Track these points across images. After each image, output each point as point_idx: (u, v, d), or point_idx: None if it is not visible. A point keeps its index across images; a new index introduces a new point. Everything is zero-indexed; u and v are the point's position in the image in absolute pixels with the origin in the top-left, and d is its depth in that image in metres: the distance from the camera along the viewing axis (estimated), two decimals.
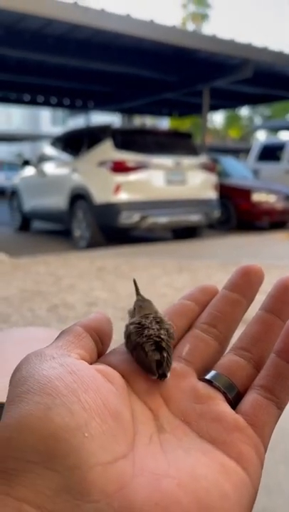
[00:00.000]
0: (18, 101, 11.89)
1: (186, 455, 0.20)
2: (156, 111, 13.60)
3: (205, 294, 0.29)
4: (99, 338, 0.25)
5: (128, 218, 5.76)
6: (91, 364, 0.23)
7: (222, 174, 8.28)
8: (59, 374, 0.19)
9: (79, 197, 6.24)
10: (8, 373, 0.39)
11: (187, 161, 6.34)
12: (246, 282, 0.27)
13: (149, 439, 0.20)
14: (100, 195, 5.86)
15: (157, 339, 0.25)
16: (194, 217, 6.43)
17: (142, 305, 0.27)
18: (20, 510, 0.16)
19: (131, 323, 0.26)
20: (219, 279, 3.96)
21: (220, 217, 7.13)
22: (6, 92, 11.09)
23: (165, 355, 0.24)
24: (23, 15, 6.05)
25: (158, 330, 0.25)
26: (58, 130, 17.86)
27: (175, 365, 0.25)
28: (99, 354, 0.25)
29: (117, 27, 6.55)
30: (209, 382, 0.24)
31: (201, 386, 0.24)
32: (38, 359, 0.21)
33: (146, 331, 0.25)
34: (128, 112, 12.84)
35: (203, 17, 26.40)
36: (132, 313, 0.28)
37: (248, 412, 0.22)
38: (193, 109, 11.81)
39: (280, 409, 0.23)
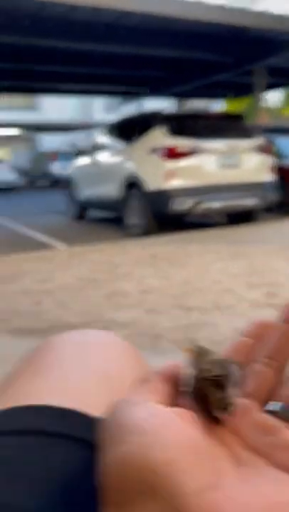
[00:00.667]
0: (72, 91, 12.07)
1: (267, 483, 0.21)
2: (211, 93, 13.34)
3: (262, 329, 0.30)
4: (171, 385, 0.27)
5: (181, 204, 5.73)
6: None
7: (280, 156, 8.00)
8: (148, 417, 0.22)
9: (132, 185, 6.28)
10: (68, 375, 0.40)
11: (240, 143, 6.19)
12: None
13: (231, 472, 0.22)
14: (153, 183, 5.86)
15: (219, 378, 0.26)
16: (250, 201, 6.29)
17: (201, 352, 0.29)
18: None
19: (194, 367, 0.28)
20: (277, 265, 3.86)
21: (278, 201, 6.92)
22: (60, 83, 11.28)
23: (227, 393, 0.26)
24: (72, 6, 6.10)
25: (220, 368, 0.27)
26: (111, 117, 17.97)
27: (239, 400, 0.27)
28: (171, 399, 0.27)
29: (165, 11, 6.46)
30: (274, 413, 0.26)
31: (268, 418, 0.25)
32: (126, 405, 0.24)
33: (207, 373, 0.27)
34: (181, 95, 12.67)
35: None
36: (194, 361, 0.29)
37: None
38: (249, 89, 11.44)
39: None
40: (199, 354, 0.29)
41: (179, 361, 0.28)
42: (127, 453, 0.21)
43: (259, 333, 0.30)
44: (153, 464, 0.20)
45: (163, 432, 0.21)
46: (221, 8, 7.01)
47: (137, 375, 0.44)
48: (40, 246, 5.79)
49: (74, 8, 6.22)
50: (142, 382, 0.27)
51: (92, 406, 0.37)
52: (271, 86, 10.84)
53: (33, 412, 0.35)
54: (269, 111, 27.15)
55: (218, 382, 0.26)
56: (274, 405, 0.26)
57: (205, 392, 0.26)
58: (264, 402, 0.27)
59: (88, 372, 0.42)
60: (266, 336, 0.30)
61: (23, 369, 0.44)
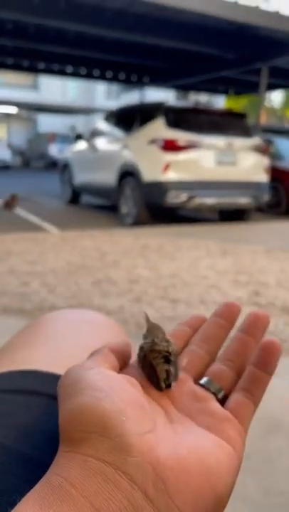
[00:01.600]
0: (75, 74, 11.97)
1: (192, 435, 0.27)
2: (212, 88, 13.32)
3: (198, 320, 0.38)
4: (121, 358, 0.33)
5: (175, 198, 5.76)
6: None
7: (275, 156, 8.06)
8: (100, 378, 0.28)
9: (128, 174, 6.29)
10: (60, 348, 0.45)
11: (239, 142, 6.22)
12: (230, 312, 0.36)
13: (164, 425, 0.28)
14: (149, 173, 5.88)
15: (167, 354, 0.32)
16: (243, 200, 6.34)
17: (152, 329, 0.35)
18: (86, 461, 0.24)
19: (145, 343, 0.33)
20: (262, 265, 3.93)
21: (270, 201, 6.99)
22: (63, 65, 11.19)
23: (172, 368, 0.32)
24: None
25: (167, 347, 0.33)
26: (112, 104, 17.82)
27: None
28: (118, 367, 0.33)
29: (177, 2, 6.43)
30: (203, 386, 0.32)
31: (198, 389, 0.32)
32: (81, 369, 0.29)
33: (157, 347, 0.33)
34: (183, 88, 12.64)
35: None
36: (145, 335, 0.34)
37: (233, 408, 0.30)
38: (250, 87, 11.47)
39: (256, 405, 0.31)
40: (151, 329, 0.34)
41: (127, 339, 0.33)
42: (84, 402, 0.26)
43: (194, 323, 0.38)
44: (106, 411, 0.25)
45: (113, 390, 0.27)
46: (231, 4, 6.99)
47: None
48: (32, 228, 5.79)
49: None
50: (95, 352, 0.32)
51: None
52: (272, 86, 10.86)
53: (27, 376, 0.41)
54: (272, 111, 27.16)
55: (166, 357, 0.32)
56: (204, 380, 0.33)
57: (152, 363, 0.32)
58: (197, 376, 0.34)
59: (78, 346, 0.47)
60: (200, 326, 0.37)
61: (21, 339, 0.49)
